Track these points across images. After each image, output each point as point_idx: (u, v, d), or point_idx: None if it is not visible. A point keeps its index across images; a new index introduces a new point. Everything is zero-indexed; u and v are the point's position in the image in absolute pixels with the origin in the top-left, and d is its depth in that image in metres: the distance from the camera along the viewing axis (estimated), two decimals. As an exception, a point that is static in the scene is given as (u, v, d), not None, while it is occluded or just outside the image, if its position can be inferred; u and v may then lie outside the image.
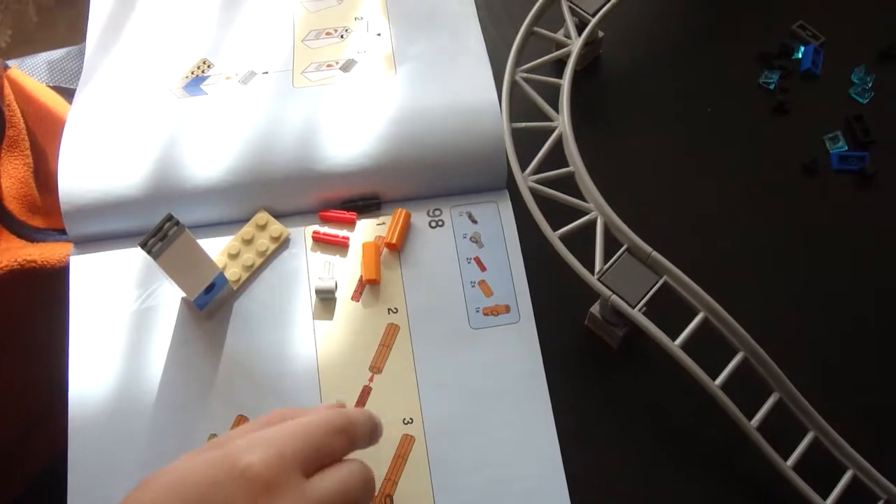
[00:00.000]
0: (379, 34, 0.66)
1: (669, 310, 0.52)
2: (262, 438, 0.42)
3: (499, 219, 0.59)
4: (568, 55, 0.61)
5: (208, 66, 0.64)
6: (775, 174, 0.63)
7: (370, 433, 0.47)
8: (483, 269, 0.58)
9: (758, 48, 0.68)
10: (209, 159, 0.59)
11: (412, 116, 0.60)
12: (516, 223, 0.59)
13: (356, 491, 0.43)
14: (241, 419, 0.53)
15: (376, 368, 0.55)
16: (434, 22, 0.66)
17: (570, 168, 0.56)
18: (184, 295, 0.55)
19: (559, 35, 0.63)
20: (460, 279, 0.58)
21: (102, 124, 0.60)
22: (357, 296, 0.57)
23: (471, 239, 0.59)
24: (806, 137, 0.65)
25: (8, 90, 0.69)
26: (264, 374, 0.55)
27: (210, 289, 0.55)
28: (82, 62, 0.64)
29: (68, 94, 0.85)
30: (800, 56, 0.68)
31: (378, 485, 0.52)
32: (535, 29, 0.63)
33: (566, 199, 0.55)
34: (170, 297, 0.57)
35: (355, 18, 0.67)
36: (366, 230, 0.59)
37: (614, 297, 0.52)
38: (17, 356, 0.63)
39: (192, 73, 0.64)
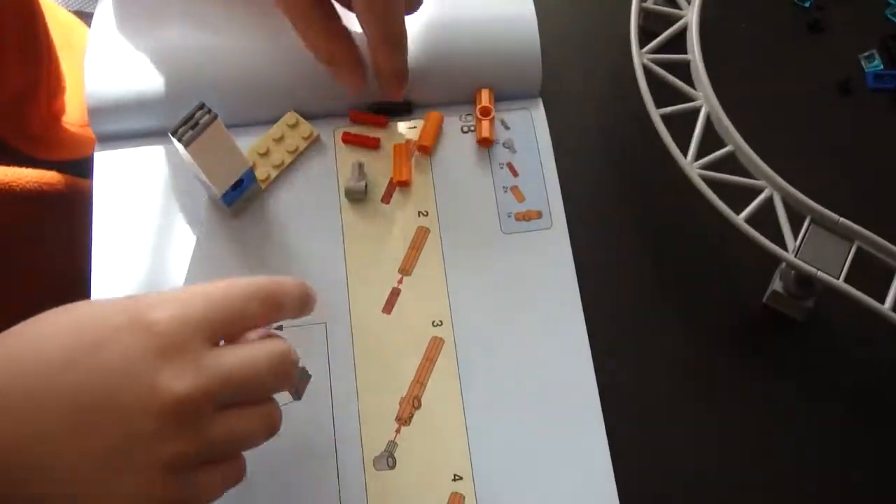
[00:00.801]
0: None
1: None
2: (175, 297, 0.41)
3: (532, 126, 0.58)
4: (686, 26, 0.59)
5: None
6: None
7: (300, 302, 0.44)
8: (515, 174, 0.57)
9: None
10: (238, 58, 0.57)
11: (446, 21, 0.58)
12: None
13: (262, 372, 0.41)
14: (266, 318, 0.53)
15: (406, 271, 0.55)
16: None
17: (730, 147, 0.55)
18: (211, 193, 0.54)
19: (666, 8, 0.61)
20: (492, 184, 0.57)
21: (129, 21, 0.59)
22: (387, 198, 0.56)
23: (503, 144, 0.58)
24: (841, 56, 0.64)
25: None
26: (291, 273, 0.53)
27: (238, 185, 0.53)
28: None
29: (85, 18, 0.84)
30: (836, -26, 0.67)
31: (407, 387, 0.52)
32: (644, 5, 0.61)
33: (737, 181, 0.54)
34: (198, 196, 0.56)
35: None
36: (397, 133, 0.58)
37: (820, 272, 0.51)
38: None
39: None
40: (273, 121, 0.57)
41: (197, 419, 0.39)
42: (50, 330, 0.39)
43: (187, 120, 0.49)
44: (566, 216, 0.56)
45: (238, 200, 0.55)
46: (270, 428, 0.43)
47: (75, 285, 0.55)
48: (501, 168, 0.57)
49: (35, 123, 0.68)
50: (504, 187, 0.57)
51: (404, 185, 0.56)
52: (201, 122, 0.49)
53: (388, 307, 0.54)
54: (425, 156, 0.57)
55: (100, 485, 0.38)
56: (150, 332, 0.39)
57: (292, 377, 0.44)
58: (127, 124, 0.57)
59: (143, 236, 0.55)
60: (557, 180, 0.57)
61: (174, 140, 0.49)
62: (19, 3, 0.63)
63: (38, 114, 0.68)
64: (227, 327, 0.41)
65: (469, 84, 0.58)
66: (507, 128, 0.58)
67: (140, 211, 0.56)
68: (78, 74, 0.74)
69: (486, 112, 0.57)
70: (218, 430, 0.40)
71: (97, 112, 0.57)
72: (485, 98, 0.58)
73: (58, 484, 0.37)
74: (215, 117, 0.49)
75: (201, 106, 0.49)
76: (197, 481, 0.40)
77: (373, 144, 0.57)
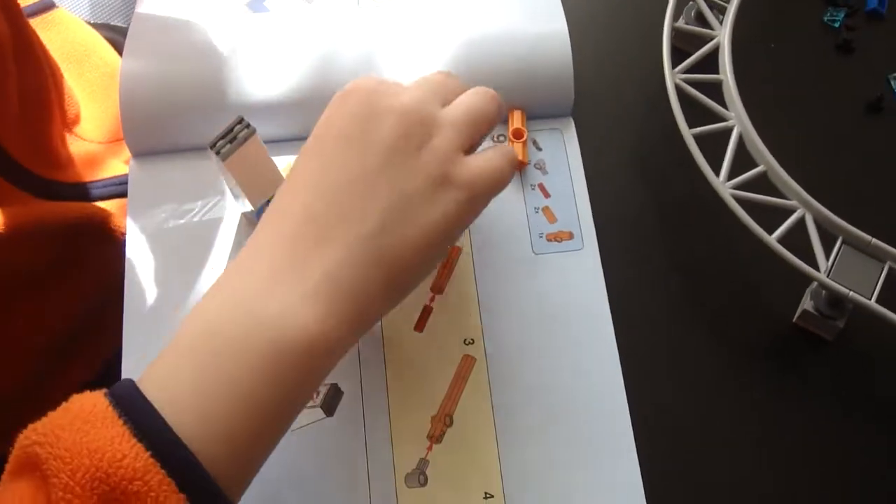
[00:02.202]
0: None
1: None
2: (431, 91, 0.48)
3: (563, 146, 0.59)
4: (718, 46, 0.60)
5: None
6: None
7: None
8: (547, 195, 0.57)
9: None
10: (272, 75, 0.58)
11: (479, 40, 0.59)
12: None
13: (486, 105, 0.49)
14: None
15: (438, 289, 0.55)
16: None
17: (762, 167, 0.55)
18: (245, 209, 0.55)
19: (699, 28, 0.62)
20: (524, 204, 0.57)
21: (164, 35, 0.60)
22: (419, 216, 0.56)
23: (535, 165, 0.58)
24: (871, 76, 0.65)
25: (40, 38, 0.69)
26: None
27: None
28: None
29: (110, 30, 0.85)
30: (865, -6, 0.68)
31: (437, 404, 0.52)
32: (677, 25, 0.62)
33: (769, 201, 0.55)
34: (230, 210, 0.56)
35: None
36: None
37: (852, 293, 0.52)
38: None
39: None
40: (306, 137, 0.58)
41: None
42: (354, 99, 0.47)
43: (226, 133, 0.49)
44: (597, 236, 0.56)
45: (271, 217, 0.55)
46: (513, 160, 0.50)
47: (108, 306, 0.56)
48: (533, 189, 0.57)
49: (48, 137, 0.68)
50: (536, 208, 0.57)
51: None
52: (239, 135, 0.49)
53: (421, 325, 0.54)
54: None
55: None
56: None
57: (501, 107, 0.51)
58: (160, 139, 0.58)
59: (177, 249, 0.55)
60: (588, 201, 0.57)
61: (211, 153, 0.49)
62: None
63: (51, 127, 0.68)
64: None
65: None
66: (538, 149, 0.58)
67: (174, 224, 0.56)
68: (94, 88, 0.75)
69: (518, 134, 0.58)
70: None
71: (131, 126, 0.57)
72: (517, 120, 0.58)
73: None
74: (253, 132, 0.49)
75: (240, 120, 0.50)
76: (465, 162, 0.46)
77: None
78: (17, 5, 0.66)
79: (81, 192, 0.67)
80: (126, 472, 0.35)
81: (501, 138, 0.58)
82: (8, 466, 0.39)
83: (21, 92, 0.63)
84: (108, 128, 0.72)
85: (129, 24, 0.60)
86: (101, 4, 0.93)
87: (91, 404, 0.38)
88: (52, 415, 0.39)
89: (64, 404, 0.39)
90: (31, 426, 0.38)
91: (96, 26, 0.84)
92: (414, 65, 0.58)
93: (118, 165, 0.70)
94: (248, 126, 0.49)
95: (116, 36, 0.81)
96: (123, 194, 0.63)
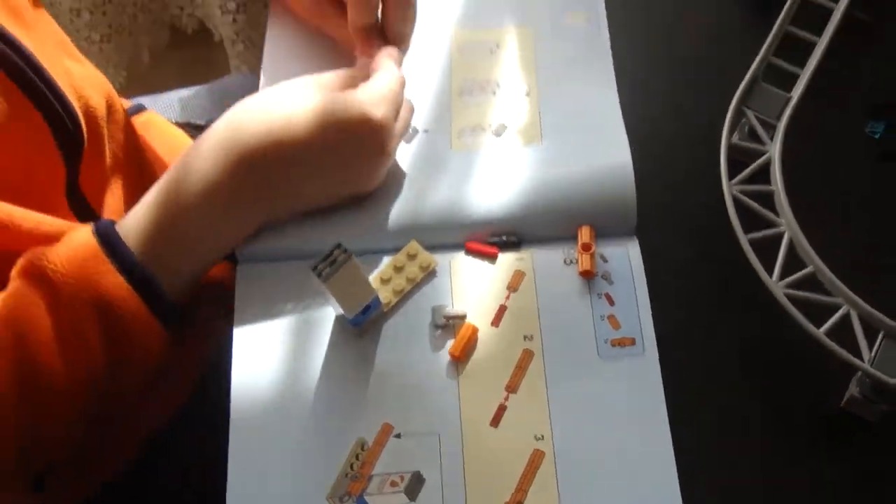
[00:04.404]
0: (527, 93, 0.72)
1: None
2: (381, 97, 0.64)
3: (628, 260, 0.65)
4: (769, 161, 0.66)
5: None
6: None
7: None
8: (612, 303, 0.63)
9: (865, 99, 0.73)
10: (373, 198, 0.66)
11: (555, 178, 0.67)
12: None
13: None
14: (386, 426, 0.60)
15: (511, 388, 0.61)
16: (577, 85, 0.73)
17: (810, 268, 0.61)
18: (340, 312, 0.62)
19: (752, 144, 0.68)
20: (591, 312, 0.63)
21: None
22: (496, 321, 0.63)
23: (601, 276, 0.64)
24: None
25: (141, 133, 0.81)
26: (410, 387, 0.61)
27: (366, 310, 0.61)
28: (210, 100, 0.73)
29: (194, 129, 0.95)
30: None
31: (509, 494, 0.58)
32: (733, 142, 0.68)
33: (818, 299, 0.60)
34: (328, 312, 0.64)
35: (507, 73, 0.74)
36: (506, 263, 0.65)
37: (893, 381, 0.57)
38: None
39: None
40: (398, 248, 0.66)
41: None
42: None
43: (326, 257, 0.57)
44: (659, 337, 0.62)
45: (364, 322, 0.62)
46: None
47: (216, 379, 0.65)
48: (599, 298, 0.64)
49: None
50: (601, 315, 0.63)
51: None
52: (338, 260, 0.57)
53: (496, 421, 0.60)
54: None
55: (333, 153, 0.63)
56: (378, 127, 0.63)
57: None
58: (267, 247, 0.66)
59: (278, 346, 0.63)
60: (650, 310, 0.63)
61: (313, 275, 0.57)
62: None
63: None
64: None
65: (572, 222, 0.66)
66: (605, 261, 0.65)
67: (277, 321, 0.64)
68: None
69: (587, 247, 0.64)
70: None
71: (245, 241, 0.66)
72: (585, 235, 0.65)
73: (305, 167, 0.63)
74: (350, 256, 0.57)
75: (338, 245, 0.57)
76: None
77: (492, 253, 0.66)
78: (130, 123, 0.77)
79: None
80: (113, 297, 0.58)
81: (571, 251, 0.65)
82: (17, 271, 0.58)
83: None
84: None
85: (207, 123, 0.70)
86: (189, 106, 1.03)
87: (85, 242, 0.59)
88: (57, 249, 0.58)
89: (65, 240, 0.59)
90: (42, 253, 0.58)
91: (180, 125, 0.95)
92: (495, 197, 0.66)
93: None
94: (345, 251, 0.57)
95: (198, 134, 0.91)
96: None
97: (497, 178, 0.67)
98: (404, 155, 0.70)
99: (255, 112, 0.64)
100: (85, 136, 0.67)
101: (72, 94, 0.66)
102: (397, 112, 0.66)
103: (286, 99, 0.64)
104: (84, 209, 0.70)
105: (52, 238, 0.60)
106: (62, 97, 0.65)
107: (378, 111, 0.62)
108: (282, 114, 0.62)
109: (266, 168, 0.62)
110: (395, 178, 0.68)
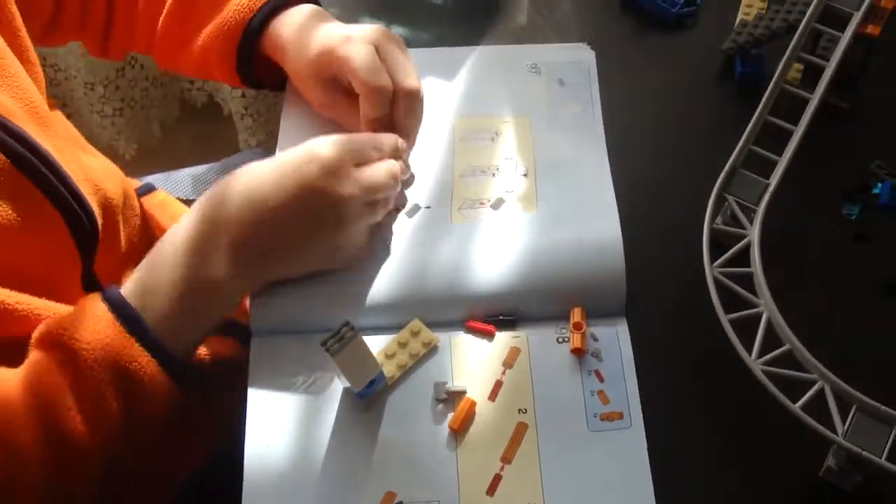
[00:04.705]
0: (525, 174, 0.78)
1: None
2: (333, 140, 0.68)
3: (617, 339, 0.69)
4: (749, 244, 0.70)
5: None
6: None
7: (394, 150, 0.73)
8: (601, 380, 0.68)
9: (841, 181, 0.78)
10: (377, 277, 0.71)
11: (547, 251, 0.72)
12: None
13: (385, 181, 0.70)
14: (389, 494, 0.63)
15: (507, 459, 0.65)
16: (572, 168, 0.78)
17: (787, 346, 0.65)
18: (347, 385, 0.66)
19: (733, 228, 0.73)
20: (581, 387, 0.67)
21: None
22: (493, 396, 0.67)
23: (592, 354, 0.69)
24: (888, 262, 0.74)
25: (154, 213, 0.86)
26: (412, 458, 0.65)
27: (371, 384, 0.65)
28: (222, 177, 0.77)
29: None
30: (878, 192, 0.77)
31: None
32: (714, 226, 0.72)
33: (794, 376, 0.64)
34: (336, 385, 0.68)
35: (506, 158, 0.79)
36: (502, 341, 0.70)
37: (865, 453, 0.60)
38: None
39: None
40: (401, 325, 0.70)
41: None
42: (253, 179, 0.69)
43: (335, 335, 0.62)
44: (645, 409, 0.66)
45: (369, 395, 0.67)
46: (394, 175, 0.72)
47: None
48: (590, 374, 0.68)
49: None
50: (591, 391, 0.67)
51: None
52: (346, 337, 0.62)
53: (492, 490, 0.64)
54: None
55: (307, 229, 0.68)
56: (320, 160, 0.67)
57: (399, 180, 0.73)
58: (279, 322, 0.70)
59: (289, 415, 0.67)
60: (637, 386, 0.67)
61: (322, 349, 0.61)
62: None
63: None
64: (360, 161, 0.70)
65: (565, 302, 0.70)
66: (595, 339, 0.69)
67: (287, 395, 0.68)
68: None
69: (578, 327, 0.69)
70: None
71: (259, 316, 0.70)
72: (577, 315, 0.69)
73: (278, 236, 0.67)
74: (357, 334, 0.62)
75: (346, 323, 0.62)
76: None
77: (490, 331, 0.70)
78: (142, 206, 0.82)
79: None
80: (126, 357, 0.62)
81: (563, 330, 0.70)
82: (36, 342, 0.63)
83: None
84: None
85: None
86: (202, 182, 1.07)
87: (95, 309, 0.63)
88: (70, 318, 0.63)
89: (76, 309, 0.64)
90: (57, 323, 0.63)
91: (188, 203, 0.99)
92: (493, 272, 0.71)
93: None
94: (352, 328, 0.62)
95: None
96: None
97: (494, 252, 0.72)
98: (406, 228, 0.75)
99: (235, 189, 0.69)
100: (100, 228, 0.72)
101: (88, 188, 0.71)
102: (356, 161, 0.69)
103: (257, 169, 0.69)
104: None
105: None
106: (78, 194, 0.69)
107: (324, 150, 0.67)
108: (256, 181, 0.68)
109: (253, 239, 0.67)
110: (397, 254, 0.73)
